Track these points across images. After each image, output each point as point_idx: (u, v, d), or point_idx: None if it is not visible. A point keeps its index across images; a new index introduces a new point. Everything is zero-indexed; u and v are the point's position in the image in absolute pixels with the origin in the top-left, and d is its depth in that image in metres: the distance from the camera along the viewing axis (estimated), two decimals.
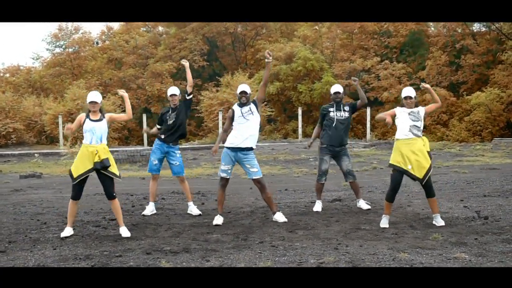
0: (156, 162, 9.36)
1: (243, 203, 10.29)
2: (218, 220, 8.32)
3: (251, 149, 8.43)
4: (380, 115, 8.16)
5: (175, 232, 7.78)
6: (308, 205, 9.80)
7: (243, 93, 8.38)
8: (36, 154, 24.66)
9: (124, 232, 7.55)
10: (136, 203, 10.41)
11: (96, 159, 7.44)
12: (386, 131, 34.13)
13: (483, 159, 19.16)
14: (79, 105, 32.29)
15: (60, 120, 30.88)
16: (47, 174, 16.97)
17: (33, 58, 58.91)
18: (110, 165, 7.52)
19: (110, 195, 7.63)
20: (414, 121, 7.72)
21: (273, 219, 8.41)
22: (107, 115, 7.77)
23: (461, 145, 27.46)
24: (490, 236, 7.06)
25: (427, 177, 7.61)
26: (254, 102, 8.48)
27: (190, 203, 9.37)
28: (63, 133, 30.40)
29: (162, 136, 9.37)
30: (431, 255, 6.15)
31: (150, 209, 9.31)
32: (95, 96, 7.67)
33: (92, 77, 42.44)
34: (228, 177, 8.47)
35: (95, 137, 7.54)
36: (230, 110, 8.54)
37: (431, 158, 7.76)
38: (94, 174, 7.67)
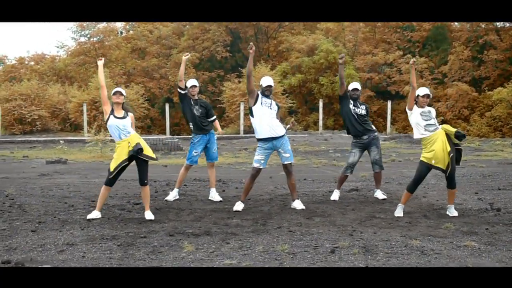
0: (198, 152, 9.62)
1: (263, 191, 10.57)
2: (239, 206, 8.62)
3: (283, 136, 8.72)
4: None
5: (196, 216, 8.10)
6: (326, 194, 10.07)
7: (269, 87, 8.66)
8: (61, 141, 25.17)
9: (149, 215, 7.88)
10: (159, 189, 10.75)
11: (130, 148, 7.76)
12: (407, 125, 34.16)
13: (501, 154, 19.26)
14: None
15: (84, 108, 31.36)
16: (72, 160, 17.38)
17: (57, 47, 59.63)
18: (141, 148, 7.76)
19: (143, 182, 7.94)
20: (426, 120, 7.92)
21: (292, 206, 8.71)
22: (130, 116, 8.05)
23: (481, 140, 27.50)
24: (501, 226, 7.29)
25: (451, 166, 7.78)
26: (278, 107, 8.83)
27: (213, 189, 9.68)
28: (87, 120, 30.89)
29: (192, 127, 9.66)
30: (442, 242, 6.40)
31: (173, 194, 9.63)
32: (120, 88, 8.03)
33: (116, 66, 42.90)
34: (261, 167, 8.70)
35: (124, 132, 7.84)
36: (257, 93, 8.70)
37: (463, 136, 7.85)
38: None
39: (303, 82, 37.44)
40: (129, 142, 7.78)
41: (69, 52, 47.21)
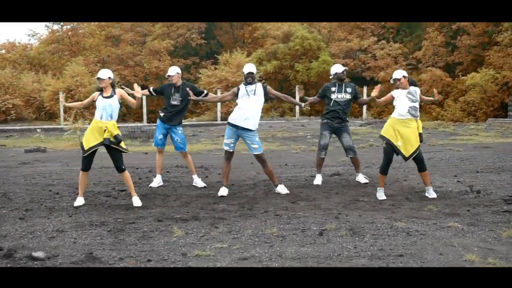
0: (161, 136, 9.64)
1: (246, 176, 10.67)
2: (223, 191, 8.72)
3: (251, 130, 8.75)
4: (380, 101, 8.55)
5: (183, 202, 8.18)
6: (308, 179, 10.20)
7: (250, 73, 8.70)
8: (38, 130, 24.96)
9: (136, 201, 7.93)
10: (142, 176, 10.79)
11: (107, 135, 7.78)
12: (382, 110, 34.53)
13: (476, 138, 19.58)
14: (78, 82, 32.55)
15: (60, 96, 31.09)
16: (50, 149, 17.29)
17: (29, 35, 58.74)
18: (121, 141, 7.89)
19: (120, 169, 7.99)
20: (412, 102, 8.09)
21: (276, 191, 8.82)
22: (117, 92, 8.08)
23: (456, 125, 27.84)
24: (482, 208, 7.48)
25: (412, 157, 8.02)
26: (265, 88, 8.83)
27: (195, 176, 9.75)
28: (63, 109, 30.64)
29: (162, 114, 9.61)
30: (426, 224, 6.56)
31: (157, 181, 9.68)
32: (101, 72, 8.01)
33: (90, 54, 42.49)
34: (231, 150, 8.85)
35: (106, 113, 7.87)
36: (236, 88, 8.86)
37: (422, 140, 8.14)
38: (101, 148, 8.08)
39: (279, 68, 37.46)
40: (106, 128, 7.80)
41: (41, 40, 46.67)
